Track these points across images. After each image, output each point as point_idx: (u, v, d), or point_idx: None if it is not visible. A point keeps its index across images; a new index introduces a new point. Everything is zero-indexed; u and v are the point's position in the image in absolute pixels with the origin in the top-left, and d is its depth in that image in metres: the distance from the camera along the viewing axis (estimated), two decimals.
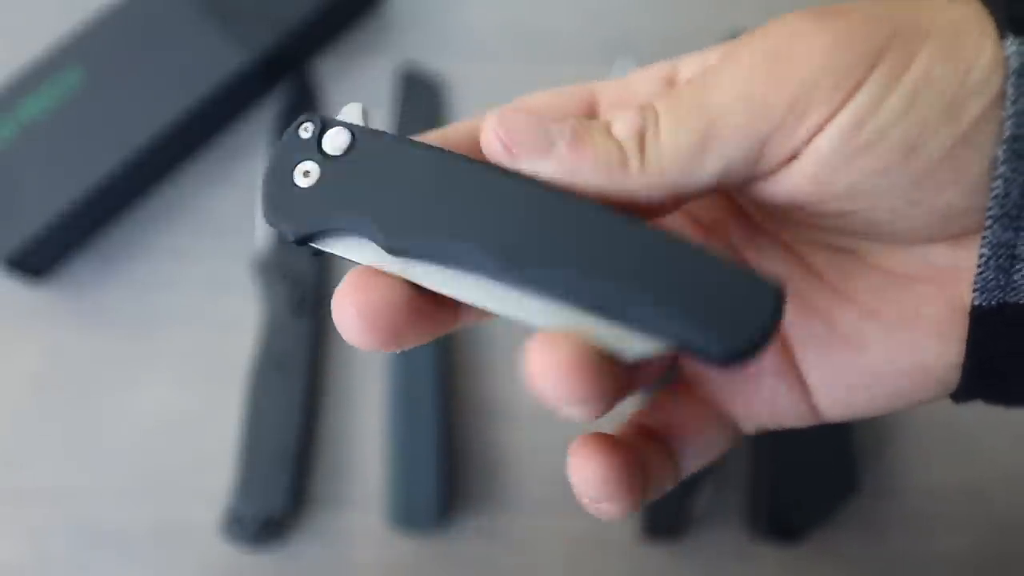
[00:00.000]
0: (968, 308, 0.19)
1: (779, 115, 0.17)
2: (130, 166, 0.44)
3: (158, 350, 0.44)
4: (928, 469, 0.41)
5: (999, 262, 0.18)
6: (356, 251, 0.20)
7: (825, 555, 0.40)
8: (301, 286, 0.44)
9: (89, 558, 0.40)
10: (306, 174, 0.20)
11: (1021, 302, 0.19)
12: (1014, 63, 0.17)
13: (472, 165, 0.19)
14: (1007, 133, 0.17)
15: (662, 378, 0.24)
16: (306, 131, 0.20)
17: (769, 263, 0.23)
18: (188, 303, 0.45)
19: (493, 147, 0.19)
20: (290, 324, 0.43)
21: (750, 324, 0.17)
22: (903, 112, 0.17)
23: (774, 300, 0.17)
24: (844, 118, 0.17)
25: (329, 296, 0.47)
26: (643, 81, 0.23)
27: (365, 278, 0.19)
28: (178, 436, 0.42)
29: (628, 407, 0.23)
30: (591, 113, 0.24)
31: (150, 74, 0.45)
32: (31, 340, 0.44)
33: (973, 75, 0.17)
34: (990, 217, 0.18)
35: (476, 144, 0.20)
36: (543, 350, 0.17)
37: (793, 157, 0.18)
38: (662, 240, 0.17)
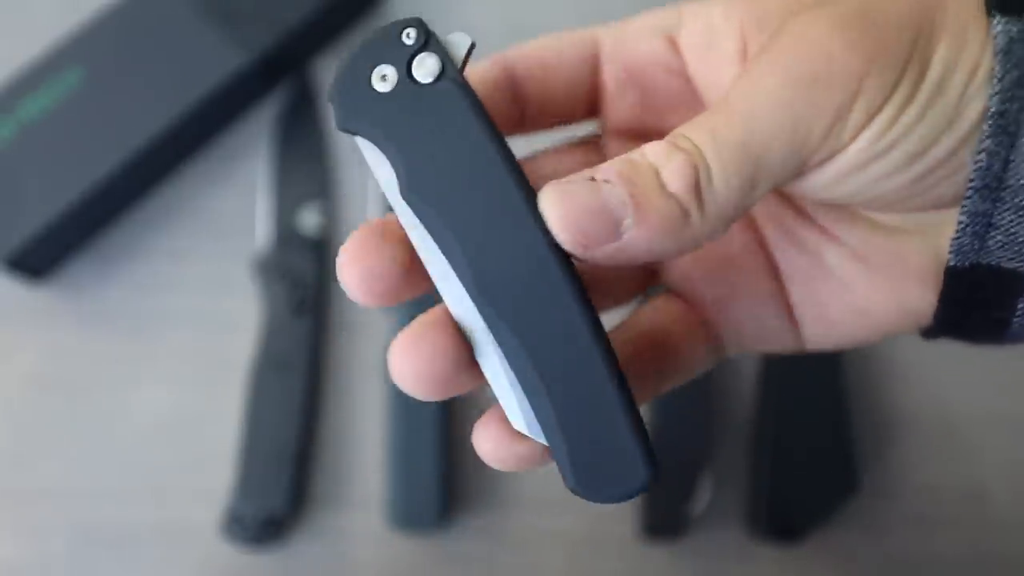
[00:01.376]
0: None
1: (819, 139, 0.18)
2: (130, 166, 0.44)
3: (158, 350, 0.44)
4: (928, 469, 0.41)
5: (975, 229, 0.19)
6: (380, 170, 0.20)
7: (825, 555, 0.40)
8: (301, 286, 0.44)
9: (89, 558, 0.40)
10: (383, 78, 0.19)
11: (992, 263, 0.20)
12: (1000, 41, 0.18)
13: (507, 179, 0.19)
14: (993, 109, 0.18)
15: (642, 293, 0.26)
16: (408, 38, 0.20)
17: (768, 211, 0.24)
18: (188, 304, 0.45)
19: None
20: (290, 324, 0.43)
21: (607, 490, 0.20)
22: (914, 124, 0.18)
23: (640, 484, 0.19)
24: (866, 135, 0.18)
25: (329, 296, 0.47)
26: (642, 37, 0.23)
27: (367, 243, 0.20)
28: (178, 436, 0.42)
29: (614, 318, 0.24)
30: (593, 68, 0.24)
31: (150, 74, 0.45)
32: (31, 340, 0.44)
33: (975, 81, 0.18)
34: (971, 188, 0.19)
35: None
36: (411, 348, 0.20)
37: (817, 167, 0.19)
38: (605, 370, 0.18)
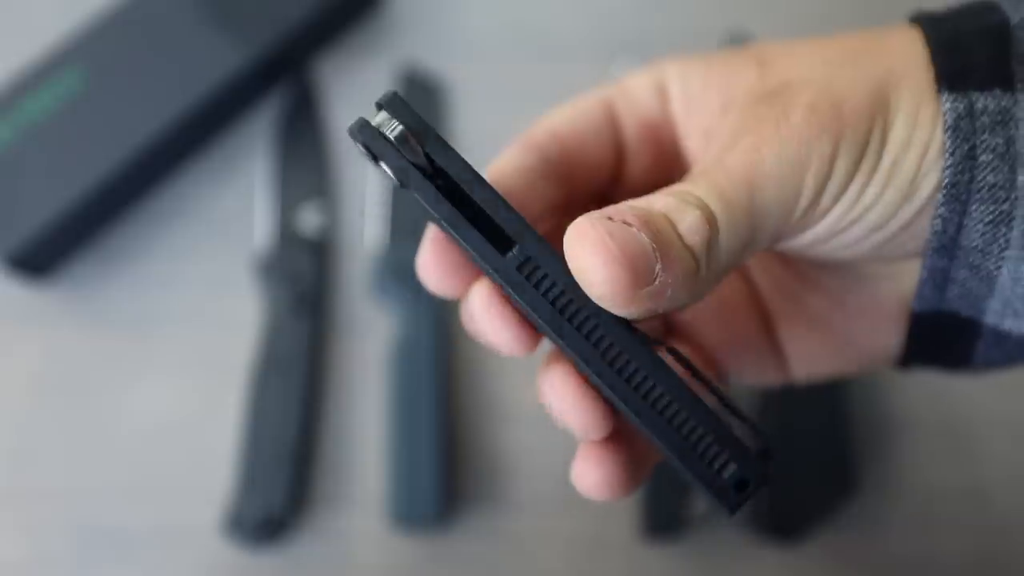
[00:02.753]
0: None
1: (799, 215, 0.20)
2: (130, 166, 0.44)
3: (158, 350, 0.44)
4: (928, 469, 0.41)
5: (935, 282, 0.22)
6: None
7: (825, 555, 0.40)
8: (301, 286, 0.44)
9: (89, 558, 0.40)
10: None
11: (953, 311, 0.23)
12: (949, 119, 0.20)
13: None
14: (946, 180, 0.20)
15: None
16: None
17: (754, 258, 0.27)
18: (188, 303, 0.45)
19: (618, 285, 0.18)
20: (290, 324, 0.43)
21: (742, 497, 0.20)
22: (876, 200, 0.20)
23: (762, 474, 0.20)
24: (835, 212, 0.21)
25: (329, 296, 0.47)
26: (642, 89, 0.25)
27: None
28: (178, 436, 0.42)
29: None
30: (613, 126, 0.25)
31: (151, 74, 0.45)
32: (31, 340, 0.44)
33: (928, 157, 0.20)
34: (931, 248, 0.21)
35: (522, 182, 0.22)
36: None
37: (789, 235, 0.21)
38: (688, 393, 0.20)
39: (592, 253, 0.18)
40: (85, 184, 0.43)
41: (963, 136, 0.20)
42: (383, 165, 0.19)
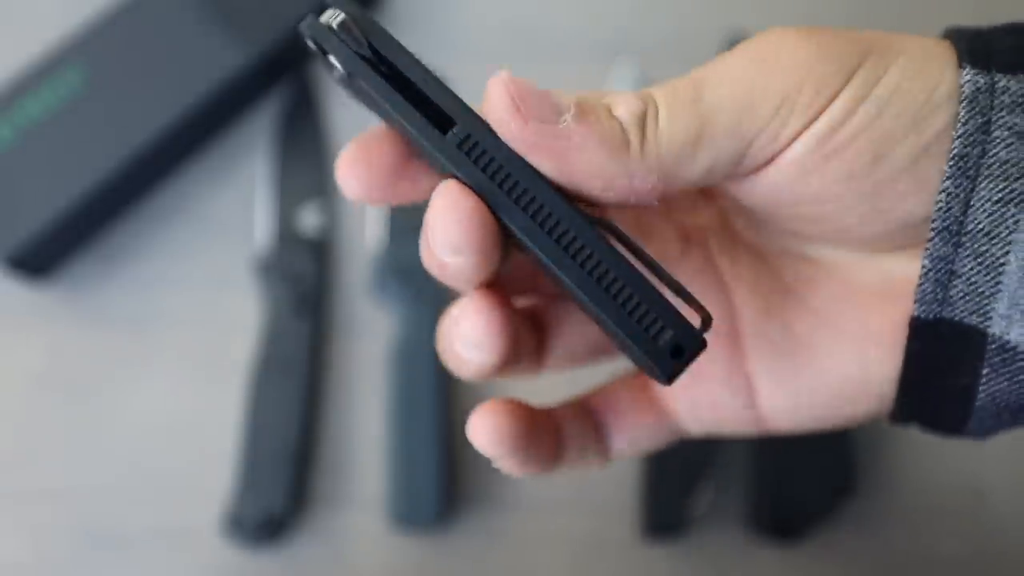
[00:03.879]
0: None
1: (765, 119, 0.19)
2: (131, 165, 0.44)
3: (159, 350, 0.44)
4: (928, 468, 0.41)
5: (938, 275, 0.20)
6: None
7: (825, 554, 0.40)
8: (301, 286, 0.44)
9: (89, 558, 0.40)
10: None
11: (955, 319, 0.20)
12: (968, 89, 0.19)
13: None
14: (954, 151, 0.19)
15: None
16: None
17: (741, 270, 0.24)
18: (188, 303, 0.45)
19: (501, 104, 0.19)
20: (290, 324, 0.43)
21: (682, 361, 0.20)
22: (871, 121, 0.18)
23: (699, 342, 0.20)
24: (819, 125, 0.19)
25: (329, 296, 0.47)
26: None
27: (367, 142, 0.21)
28: (178, 436, 0.42)
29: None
30: None
31: (151, 73, 0.45)
32: (31, 340, 0.44)
33: (938, 91, 0.19)
34: (932, 229, 0.19)
35: None
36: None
37: (772, 159, 0.19)
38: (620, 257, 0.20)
39: (493, 83, 0.20)
40: (85, 184, 0.43)
41: (979, 110, 0.19)
42: (331, 58, 0.20)
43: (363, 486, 0.42)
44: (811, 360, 0.23)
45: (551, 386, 0.43)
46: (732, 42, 0.48)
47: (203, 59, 0.46)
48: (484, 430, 0.22)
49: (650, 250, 0.23)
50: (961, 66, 0.19)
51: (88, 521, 0.41)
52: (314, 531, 0.41)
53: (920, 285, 0.20)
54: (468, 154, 0.20)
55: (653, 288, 0.20)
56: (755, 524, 0.39)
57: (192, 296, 0.45)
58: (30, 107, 0.44)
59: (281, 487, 0.40)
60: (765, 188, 0.20)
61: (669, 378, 0.20)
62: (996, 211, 0.19)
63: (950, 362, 0.21)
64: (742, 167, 0.20)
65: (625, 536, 0.41)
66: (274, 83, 0.48)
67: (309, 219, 0.46)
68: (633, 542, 0.40)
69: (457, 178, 0.20)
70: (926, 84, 0.19)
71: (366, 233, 0.46)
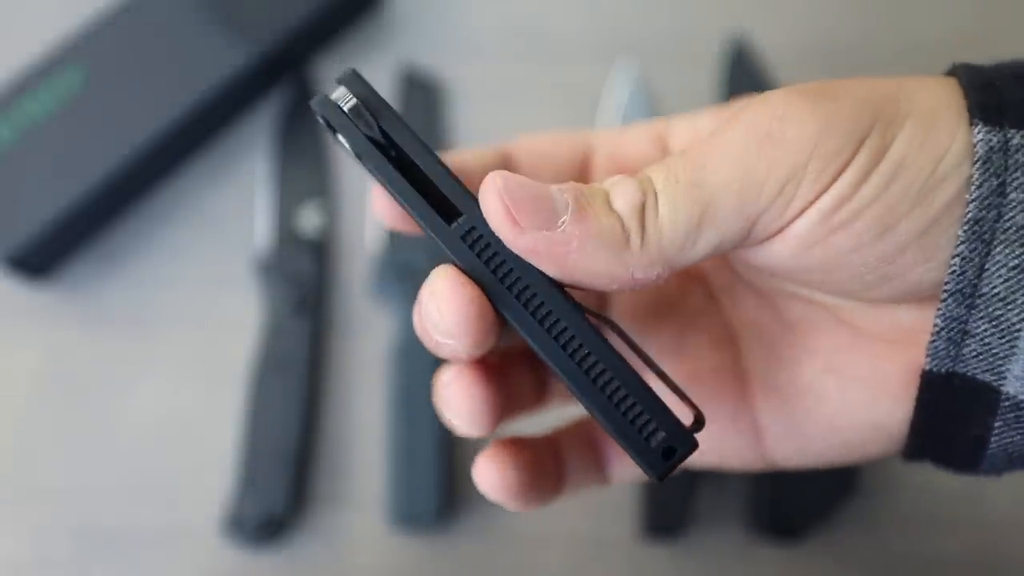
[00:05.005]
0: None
1: (770, 198, 0.18)
2: (130, 165, 0.44)
3: (158, 350, 0.44)
4: (928, 470, 0.41)
5: (950, 335, 0.19)
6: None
7: (825, 554, 0.40)
8: (301, 286, 0.44)
9: (89, 558, 0.40)
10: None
11: (968, 374, 0.20)
12: (981, 150, 0.18)
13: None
14: (969, 215, 0.18)
15: None
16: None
17: (744, 311, 0.24)
18: (188, 303, 0.45)
19: (496, 213, 0.19)
20: (290, 324, 0.43)
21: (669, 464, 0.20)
22: (878, 194, 0.18)
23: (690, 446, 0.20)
24: (825, 201, 0.18)
25: (329, 296, 0.47)
26: (635, 138, 0.24)
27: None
28: (178, 436, 0.42)
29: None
30: (584, 162, 0.25)
31: (151, 73, 0.45)
32: (31, 340, 0.44)
33: (945, 162, 0.18)
34: (946, 291, 0.19)
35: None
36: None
37: (777, 233, 0.19)
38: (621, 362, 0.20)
39: (489, 182, 0.19)
40: (85, 184, 0.43)
41: (994, 171, 0.18)
42: (340, 137, 0.21)
43: (363, 486, 0.42)
44: (819, 406, 0.22)
45: None
46: (733, 49, 0.48)
47: (203, 59, 0.46)
48: (490, 479, 0.22)
49: (649, 292, 0.23)
50: (973, 123, 0.18)
51: (88, 521, 0.41)
52: (314, 531, 0.41)
53: (932, 342, 0.20)
54: (471, 247, 0.20)
55: (647, 388, 0.20)
56: (755, 524, 0.39)
57: (192, 296, 0.45)
58: (30, 107, 0.44)
59: (281, 487, 0.40)
60: (768, 258, 0.20)
61: (660, 478, 0.20)
62: (1012, 278, 0.18)
63: (962, 414, 0.20)
64: (746, 243, 0.19)
65: (625, 536, 0.41)
66: (274, 83, 0.48)
67: (309, 219, 0.46)
68: (633, 542, 0.40)
69: (457, 265, 0.20)
70: (932, 155, 0.18)
71: (366, 233, 0.46)
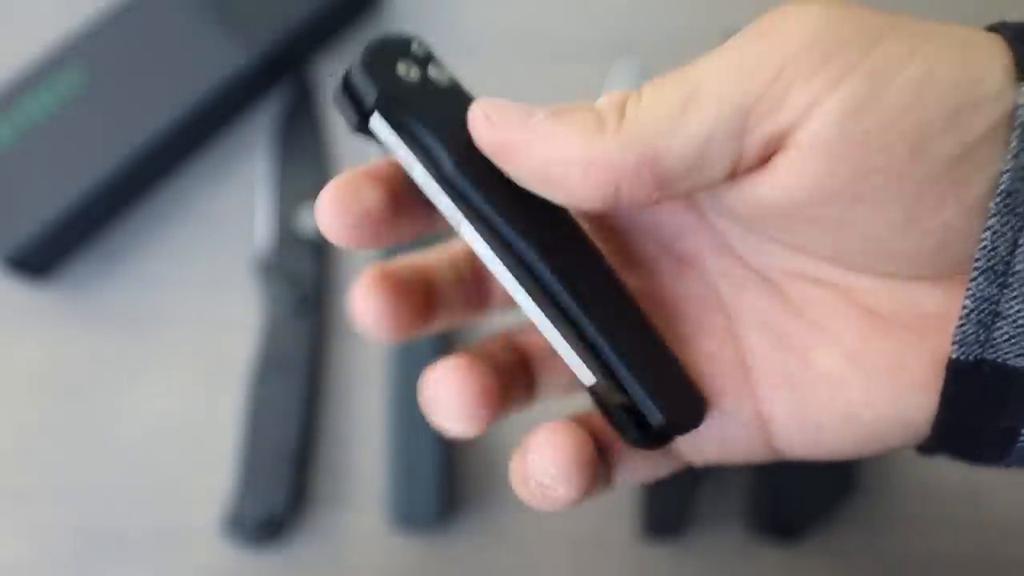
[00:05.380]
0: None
1: (763, 83, 0.16)
2: (131, 165, 0.44)
3: (158, 350, 0.44)
4: (929, 469, 0.41)
5: (980, 316, 0.18)
6: (401, 153, 0.20)
7: (825, 555, 0.40)
8: (301, 286, 0.44)
9: (89, 558, 0.40)
10: (408, 72, 0.20)
11: (999, 360, 0.18)
12: (1022, 115, 0.16)
13: None
14: (1002, 186, 0.16)
15: None
16: (418, 47, 0.21)
17: (746, 297, 0.22)
18: (188, 303, 0.45)
19: (476, 121, 0.19)
20: (290, 324, 0.43)
21: (683, 420, 0.20)
22: (907, 107, 0.16)
23: (701, 414, 0.20)
24: (840, 102, 0.16)
25: (329, 296, 0.47)
26: None
27: (350, 184, 0.20)
28: (178, 436, 0.42)
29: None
30: None
31: (151, 73, 0.45)
32: (31, 340, 0.44)
33: (983, 87, 0.16)
34: (976, 269, 0.17)
35: None
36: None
37: (785, 141, 0.17)
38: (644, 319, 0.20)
39: (476, 104, 0.19)
40: (86, 184, 0.43)
41: None
42: (441, 68, 0.21)
43: (363, 486, 0.42)
44: (835, 396, 0.20)
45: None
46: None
47: (203, 59, 0.46)
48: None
49: (641, 279, 0.22)
50: (1020, 80, 0.16)
51: (88, 521, 0.41)
52: (314, 531, 0.41)
53: (960, 326, 0.18)
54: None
55: (659, 362, 0.20)
56: (755, 524, 0.39)
57: (192, 296, 0.45)
58: (30, 107, 0.44)
59: (281, 487, 0.40)
60: (784, 183, 0.17)
61: (651, 447, 0.20)
62: None
63: (992, 405, 0.19)
64: (749, 151, 0.17)
65: (625, 536, 0.41)
66: (274, 83, 0.48)
67: (309, 219, 0.46)
68: (633, 542, 0.40)
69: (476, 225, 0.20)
70: (966, 74, 0.16)
71: None
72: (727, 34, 0.19)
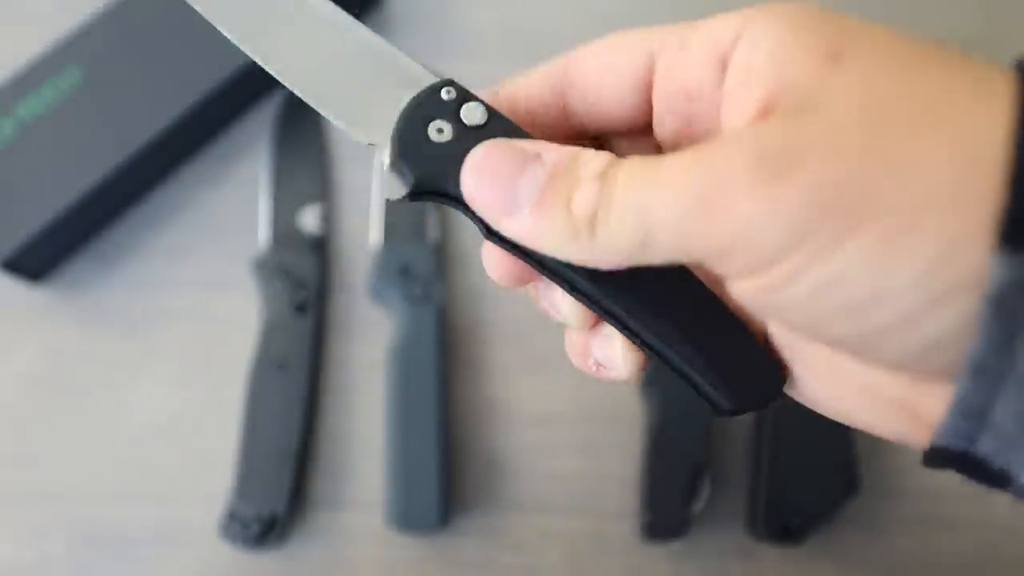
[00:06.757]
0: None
1: (703, 253, 0.18)
2: (130, 166, 0.44)
3: (158, 350, 0.44)
4: (928, 470, 0.41)
5: (960, 433, 0.18)
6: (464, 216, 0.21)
7: (825, 555, 0.40)
8: (301, 286, 0.44)
9: (88, 559, 0.40)
10: (440, 131, 0.21)
11: (979, 458, 0.18)
12: (992, 287, 0.15)
13: None
14: (968, 359, 0.16)
15: None
16: (448, 94, 0.21)
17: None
18: (188, 303, 0.45)
19: (466, 185, 0.20)
20: (290, 324, 0.43)
21: (759, 396, 0.21)
22: (806, 298, 0.17)
23: (780, 382, 0.21)
24: (755, 295, 0.18)
25: (329, 296, 0.47)
26: (699, 58, 0.21)
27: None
28: (178, 436, 0.42)
29: None
30: (650, 72, 0.23)
31: (150, 73, 0.45)
32: (30, 340, 0.44)
33: (898, 279, 0.16)
34: (953, 408, 0.17)
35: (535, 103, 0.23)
36: None
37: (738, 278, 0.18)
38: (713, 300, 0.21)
39: (471, 158, 0.20)
40: (84, 185, 0.43)
41: (1008, 313, 0.15)
42: (475, 107, 0.22)
43: (362, 486, 0.42)
44: (848, 381, 0.21)
45: (553, 390, 0.43)
46: None
47: (203, 59, 0.45)
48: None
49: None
50: (1000, 244, 0.15)
51: (88, 521, 0.41)
52: (313, 531, 0.41)
53: (939, 429, 0.18)
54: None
55: (732, 346, 0.21)
56: (755, 525, 0.39)
57: (192, 296, 0.45)
58: (29, 107, 0.44)
59: (280, 487, 0.40)
60: (750, 298, 0.18)
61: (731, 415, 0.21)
62: (1021, 421, 0.16)
63: (977, 476, 0.19)
64: (706, 272, 0.19)
65: (625, 536, 0.41)
66: (274, 83, 0.48)
67: (309, 219, 0.46)
68: (633, 542, 0.40)
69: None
70: (884, 264, 0.16)
71: (366, 233, 0.46)
72: None
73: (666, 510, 0.39)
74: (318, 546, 0.41)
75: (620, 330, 0.21)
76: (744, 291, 0.18)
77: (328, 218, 0.46)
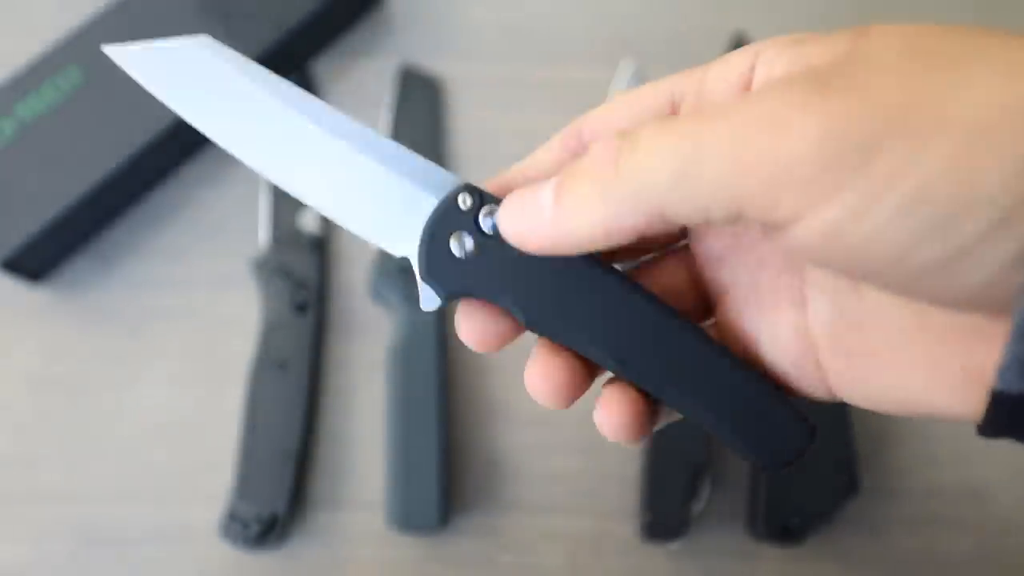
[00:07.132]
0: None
1: (759, 182, 0.16)
2: (130, 166, 0.44)
3: (158, 350, 0.44)
4: (929, 469, 0.41)
5: (1019, 368, 0.16)
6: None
7: (825, 555, 0.40)
8: (301, 286, 0.44)
9: (89, 559, 0.40)
10: (461, 244, 0.22)
11: None
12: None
13: (592, 270, 0.22)
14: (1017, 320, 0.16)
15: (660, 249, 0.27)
16: (464, 203, 0.22)
17: (813, 271, 0.22)
18: (188, 303, 0.45)
19: (503, 229, 0.21)
20: (290, 324, 0.43)
21: (786, 454, 0.23)
22: (894, 223, 0.16)
23: (807, 438, 0.22)
24: (823, 223, 0.16)
25: (329, 296, 0.47)
26: (720, 84, 0.21)
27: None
28: (178, 436, 0.42)
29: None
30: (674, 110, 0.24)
31: None
32: (30, 340, 0.44)
33: (981, 189, 0.15)
34: (1011, 336, 0.16)
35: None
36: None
37: (781, 231, 0.17)
38: (739, 369, 0.22)
39: (504, 208, 0.21)
40: (84, 185, 0.43)
41: None
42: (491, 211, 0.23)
43: (362, 486, 0.42)
44: (888, 373, 0.20)
45: None
46: (736, 43, 0.48)
47: None
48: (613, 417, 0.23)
49: (714, 242, 0.24)
50: None
51: (88, 521, 0.41)
52: (313, 531, 0.41)
53: (999, 371, 0.17)
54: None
55: (766, 403, 0.22)
56: (755, 525, 0.39)
57: (192, 296, 0.45)
58: (29, 107, 0.44)
59: (281, 487, 0.40)
60: (794, 243, 0.17)
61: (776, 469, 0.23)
62: None
63: None
64: (748, 224, 0.18)
65: (625, 536, 0.41)
66: None
67: (309, 219, 0.46)
68: (633, 542, 0.40)
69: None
70: (962, 185, 0.15)
71: None
72: (737, 37, 0.18)
73: (666, 510, 0.39)
74: (318, 546, 0.41)
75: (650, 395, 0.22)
76: (809, 237, 0.16)
77: (328, 218, 0.46)
